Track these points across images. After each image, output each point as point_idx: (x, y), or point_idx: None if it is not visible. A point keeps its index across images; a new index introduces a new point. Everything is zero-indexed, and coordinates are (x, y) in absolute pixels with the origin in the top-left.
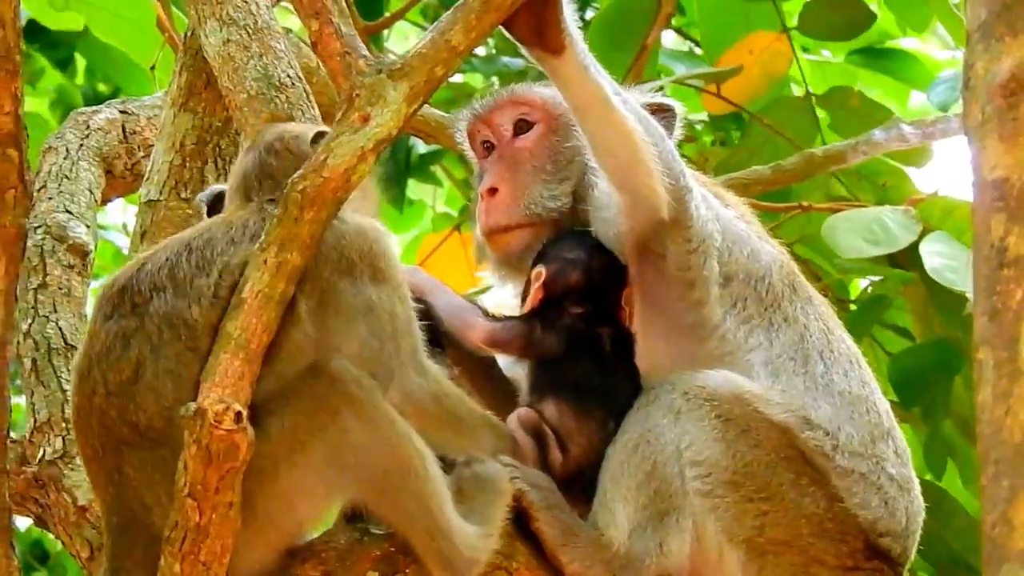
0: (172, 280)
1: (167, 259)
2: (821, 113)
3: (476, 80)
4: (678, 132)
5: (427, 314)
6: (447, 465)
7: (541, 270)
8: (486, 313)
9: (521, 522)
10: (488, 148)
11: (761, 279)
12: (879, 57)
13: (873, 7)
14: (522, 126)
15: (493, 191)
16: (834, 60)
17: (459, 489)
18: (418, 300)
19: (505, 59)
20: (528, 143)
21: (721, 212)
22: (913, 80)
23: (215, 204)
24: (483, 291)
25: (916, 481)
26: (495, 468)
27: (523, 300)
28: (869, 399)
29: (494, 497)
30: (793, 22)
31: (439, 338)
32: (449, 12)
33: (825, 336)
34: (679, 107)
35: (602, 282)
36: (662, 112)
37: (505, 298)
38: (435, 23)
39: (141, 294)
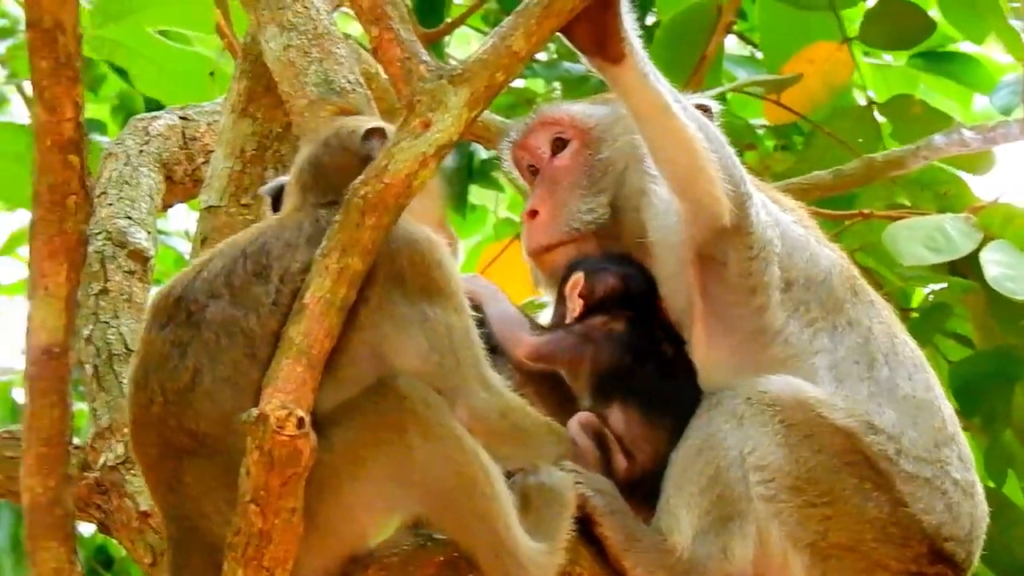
0: (229, 287)
1: (223, 266)
2: (883, 121)
3: (537, 85)
4: None
5: (483, 323)
6: (508, 475)
7: (578, 277)
8: (535, 325)
9: (584, 527)
10: (534, 171)
11: (821, 283)
12: (941, 61)
13: (932, 12)
14: (559, 144)
15: (533, 213)
16: (896, 64)
17: (524, 501)
18: (475, 308)
19: (567, 64)
20: (565, 161)
21: (780, 217)
22: (976, 83)
23: (279, 196)
24: (543, 306)
25: (980, 486)
26: (560, 478)
27: (557, 317)
28: (933, 404)
29: (559, 510)
30: (854, 30)
31: (494, 346)
32: (510, 17)
33: (890, 340)
34: (715, 106)
35: (640, 285)
36: (699, 111)
37: None
38: (496, 28)
39: (197, 302)
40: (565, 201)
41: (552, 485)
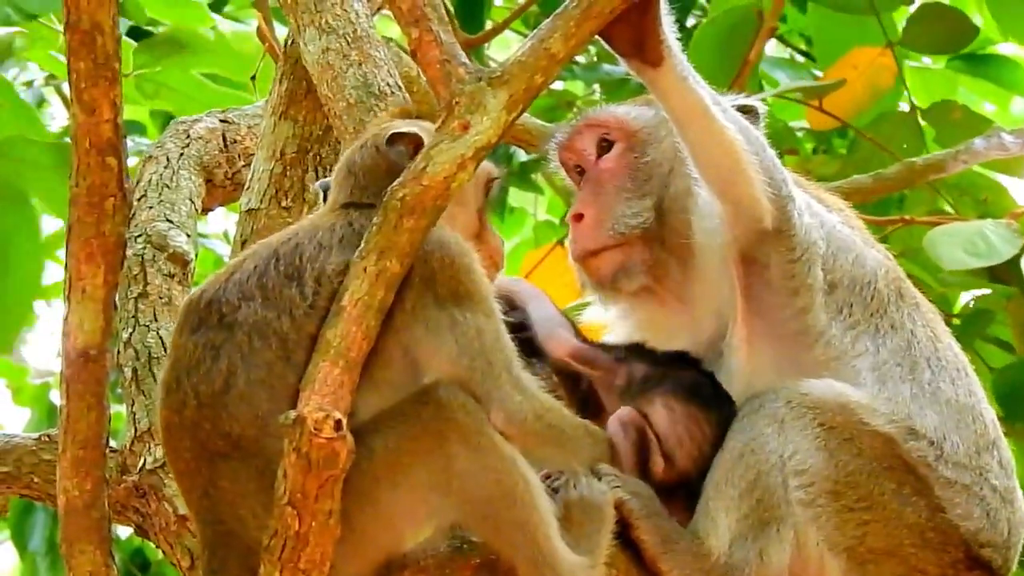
0: (261, 289)
1: (255, 267)
2: (925, 125)
3: (577, 87)
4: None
5: (525, 324)
6: (545, 477)
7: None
8: (578, 333)
9: (621, 530)
10: (580, 172)
11: (866, 285)
12: (980, 63)
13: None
14: (604, 146)
15: (579, 217)
16: (935, 67)
17: (565, 513)
18: (517, 309)
19: (606, 67)
20: (610, 163)
21: (825, 218)
22: (1015, 85)
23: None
24: (584, 306)
25: (1020, 492)
26: (600, 491)
27: None
28: (975, 408)
29: (599, 524)
30: (897, 34)
31: (536, 348)
32: (548, 20)
33: (932, 343)
34: (761, 107)
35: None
36: (744, 113)
37: (608, 319)
38: (535, 31)
39: (230, 304)
40: (610, 204)
41: (592, 499)
